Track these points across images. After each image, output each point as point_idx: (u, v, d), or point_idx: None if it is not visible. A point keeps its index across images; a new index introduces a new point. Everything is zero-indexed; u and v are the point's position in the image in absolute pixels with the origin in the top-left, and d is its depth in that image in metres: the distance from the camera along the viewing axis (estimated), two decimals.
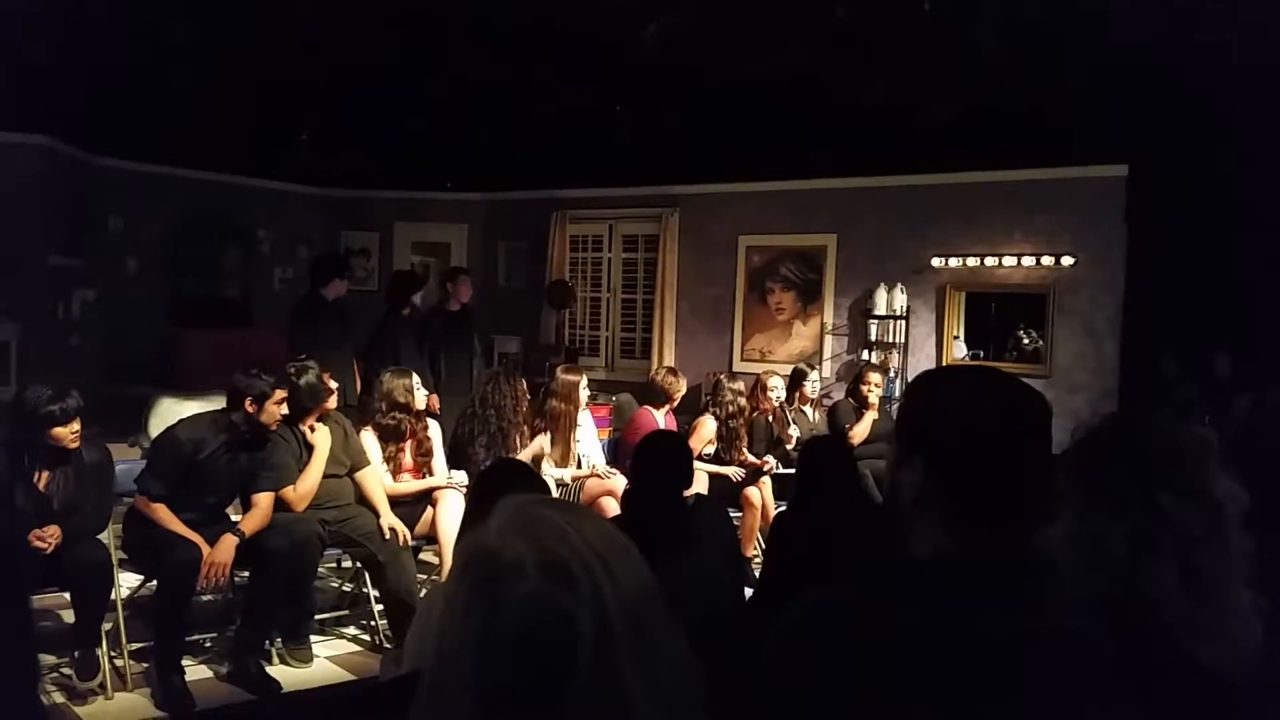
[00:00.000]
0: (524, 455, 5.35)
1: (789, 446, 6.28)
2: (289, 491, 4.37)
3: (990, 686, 1.06)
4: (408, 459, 5.01)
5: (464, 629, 0.86)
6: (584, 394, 5.73)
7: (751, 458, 6.14)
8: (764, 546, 5.75)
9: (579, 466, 5.68)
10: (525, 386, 5.56)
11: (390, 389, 4.97)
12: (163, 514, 4.03)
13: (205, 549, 3.97)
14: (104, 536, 4.13)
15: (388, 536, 4.55)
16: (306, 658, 4.38)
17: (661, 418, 6.03)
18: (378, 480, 4.78)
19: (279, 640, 4.37)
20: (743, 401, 6.14)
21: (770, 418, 6.40)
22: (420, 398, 5.08)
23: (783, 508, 5.58)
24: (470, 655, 0.85)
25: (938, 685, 1.06)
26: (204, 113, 7.67)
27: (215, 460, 4.18)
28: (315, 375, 4.62)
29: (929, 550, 1.24)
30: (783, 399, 6.44)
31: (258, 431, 4.21)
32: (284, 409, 4.28)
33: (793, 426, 6.39)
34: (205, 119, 7.92)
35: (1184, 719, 1.07)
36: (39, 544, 3.66)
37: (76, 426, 3.87)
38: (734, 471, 5.96)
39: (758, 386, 6.44)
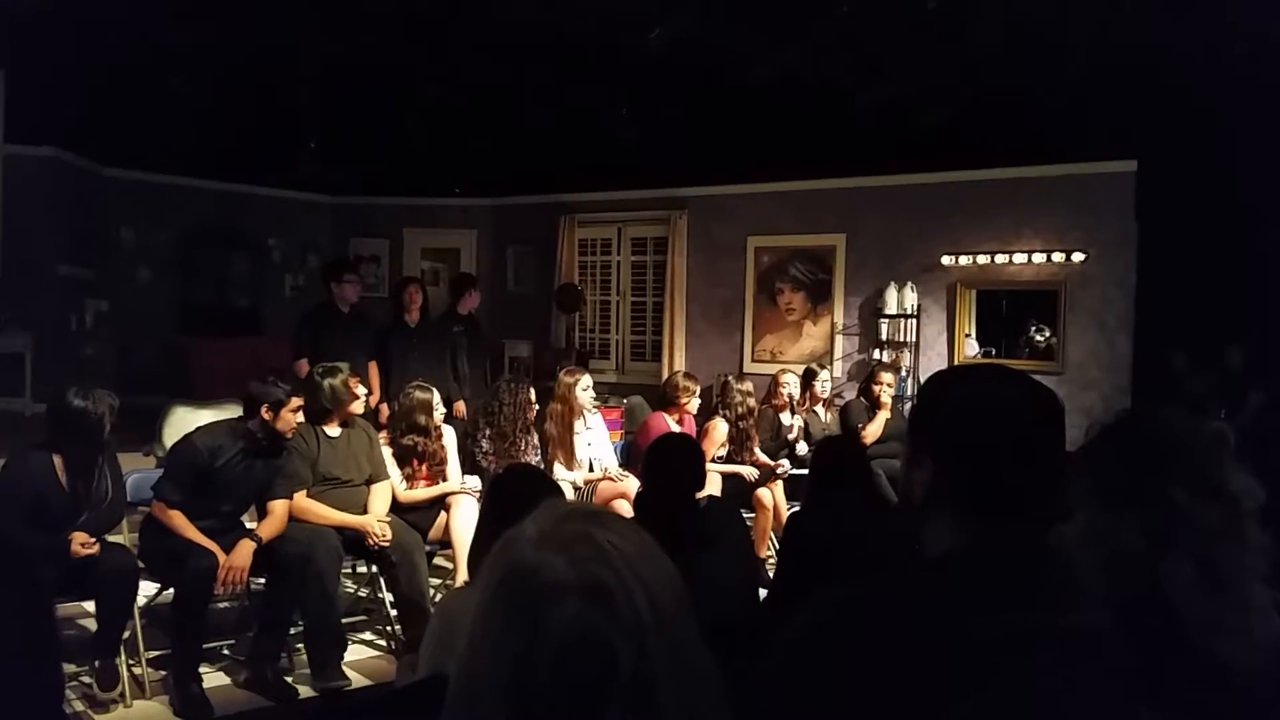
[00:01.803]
0: (533, 460, 5.37)
1: (790, 436, 6.30)
2: (299, 498, 4.39)
3: (1004, 684, 1.06)
4: (422, 469, 5.00)
5: (499, 646, 0.85)
6: (585, 395, 5.72)
7: (764, 458, 6.14)
8: (778, 547, 5.75)
9: (589, 469, 5.69)
10: (533, 395, 5.54)
11: (410, 407, 4.91)
12: (179, 521, 4.05)
13: (221, 557, 3.99)
14: (123, 543, 4.16)
15: (375, 531, 4.45)
16: None
17: (674, 423, 6.02)
18: (386, 496, 4.74)
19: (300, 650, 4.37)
20: (752, 403, 6.13)
21: (775, 411, 6.42)
22: (439, 416, 5.03)
23: (795, 508, 5.58)
24: (506, 671, 0.83)
25: (952, 683, 1.06)
26: (212, 122, 7.71)
27: (232, 468, 4.20)
28: (341, 379, 4.63)
29: (943, 548, 1.24)
30: (794, 395, 6.45)
31: (274, 439, 4.24)
32: (299, 416, 4.30)
33: (794, 416, 6.40)
34: (213, 128, 7.96)
35: (1200, 716, 1.07)
36: (86, 551, 3.74)
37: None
38: (748, 471, 5.96)
39: (773, 383, 6.47)
